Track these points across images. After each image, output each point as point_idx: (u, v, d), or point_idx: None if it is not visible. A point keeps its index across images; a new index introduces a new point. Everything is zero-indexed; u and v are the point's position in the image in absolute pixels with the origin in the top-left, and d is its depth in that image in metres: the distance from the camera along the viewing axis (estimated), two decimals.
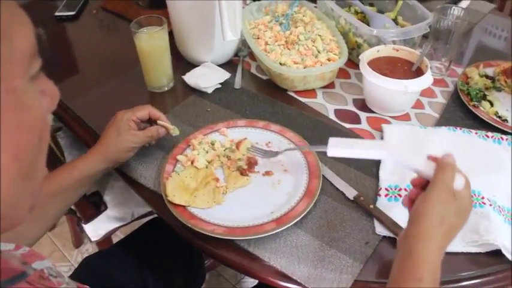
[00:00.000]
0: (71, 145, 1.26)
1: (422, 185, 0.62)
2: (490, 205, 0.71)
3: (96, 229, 1.15)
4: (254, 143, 0.83)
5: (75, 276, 0.85)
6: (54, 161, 1.06)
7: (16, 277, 0.39)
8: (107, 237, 1.21)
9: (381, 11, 1.12)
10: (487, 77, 0.97)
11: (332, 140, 0.65)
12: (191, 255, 1.04)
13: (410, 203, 0.61)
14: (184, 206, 0.73)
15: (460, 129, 0.85)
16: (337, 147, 0.65)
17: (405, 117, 0.91)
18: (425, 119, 0.91)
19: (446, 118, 0.90)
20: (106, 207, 1.14)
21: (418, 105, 0.93)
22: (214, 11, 0.92)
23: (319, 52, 0.96)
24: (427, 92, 0.96)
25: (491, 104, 0.91)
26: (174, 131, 0.81)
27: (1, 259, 0.40)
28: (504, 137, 0.84)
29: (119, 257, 0.92)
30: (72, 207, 1.14)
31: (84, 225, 1.14)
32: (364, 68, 0.87)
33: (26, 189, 0.38)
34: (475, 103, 0.91)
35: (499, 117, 0.88)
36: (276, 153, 0.80)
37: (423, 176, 0.61)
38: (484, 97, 0.92)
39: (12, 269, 0.39)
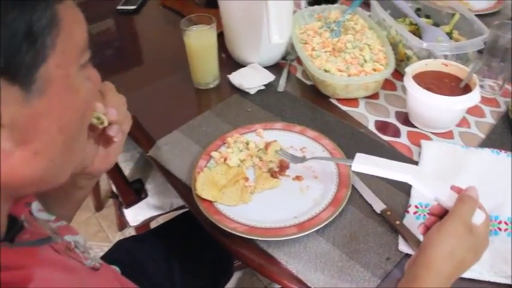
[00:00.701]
0: None
1: (441, 214, 0.60)
2: None
3: (136, 215, 1.20)
4: (285, 146, 0.84)
5: (107, 256, 0.90)
6: None
7: (43, 240, 0.47)
8: (145, 224, 1.26)
9: (436, 24, 1.08)
10: None
11: (359, 156, 0.66)
12: (221, 252, 1.06)
13: (426, 230, 0.60)
14: (211, 201, 0.75)
15: (505, 152, 0.81)
16: (363, 164, 0.65)
17: (448, 135, 0.88)
18: (469, 138, 0.87)
19: (492, 140, 0.86)
20: (146, 195, 1.19)
21: (463, 123, 0.90)
22: (262, 13, 0.93)
23: (365, 61, 0.95)
24: (475, 111, 0.93)
25: None
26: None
27: (36, 224, 0.49)
28: None
29: (151, 244, 0.96)
30: (116, 191, 1.20)
31: (124, 210, 1.19)
32: (408, 81, 0.85)
33: (67, 159, 0.45)
34: None
35: None
36: (303, 159, 0.80)
37: (444, 205, 0.60)
38: None
39: (41, 233, 0.47)
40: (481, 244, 0.58)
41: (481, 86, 0.98)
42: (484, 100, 0.95)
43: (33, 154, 0.39)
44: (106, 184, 1.82)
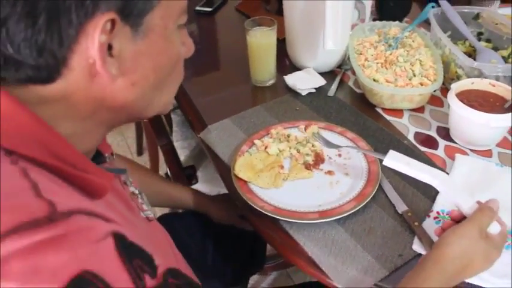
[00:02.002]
0: (182, 123, 1.44)
1: (459, 219, 0.65)
2: None
3: None
4: (321, 130, 0.90)
5: None
6: (162, 130, 1.24)
7: (120, 170, 0.63)
8: None
9: (496, 48, 1.09)
10: None
11: (392, 152, 0.70)
12: (255, 241, 1.12)
13: (442, 232, 0.64)
14: (246, 181, 0.82)
15: None
16: (394, 160, 0.70)
17: (486, 153, 0.89)
18: (507, 159, 0.88)
19: None
20: (197, 181, 1.29)
21: (505, 144, 0.91)
22: (320, 22, 1.00)
23: (414, 75, 0.99)
24: None
25: None
26: None
27: (114, 163, 0.63)
28: None
29: (189, 221, 1.05)
30: (169, 174, 1.31)
31: None
32: (451, 96, 0.88)
33: (155, 97, 0.55)
34: None
35: None
36: (337, 146, 0.86)
37: (464, 213, 0.64)
38: None
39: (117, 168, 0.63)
40: (493, 252, 0.62)
41: None
42: None
43: (131, 84, 0.50)
44: (164, 168, 1.95)
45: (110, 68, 0.46)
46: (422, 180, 0.69)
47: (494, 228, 0.62)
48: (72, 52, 0.44)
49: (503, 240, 0.64)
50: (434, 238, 0.71)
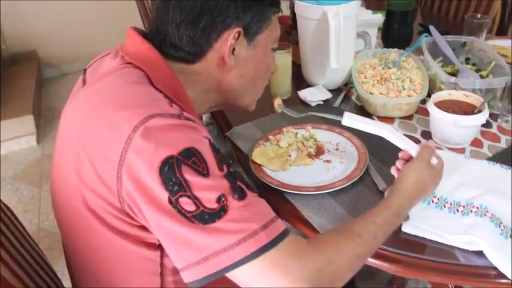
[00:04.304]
0: (216, 137, 1.68)
1: (408, 159, 0.90)
2: (491, 217, 0.86)
3: None
4: (324, 140, 1.11)
5: None
6: None
7: None
8: None
9: (478, 70, 1.29)
10: None
11: (347, 113, 0.95)
12: None
13: (398, 171, 0.88)
14: (260, 165, 1.04)
15: (500, 164, 0.99)
16: (351, 119, 0.95)
17: (460, 151, 1.08)
18: (477, 155, 1.06)
19: (496, 158, 1.04)
20: None
21: (477, 143, 1.09)
22: (327, 48, 1.23)
23: (404, 89, 1.20)
24: (491, 136, 1.11)
25: None
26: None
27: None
28: None
29: None
30: None
31: None
32: (429, 103, 1.08)
33: (249, 89, 0.90)
34: None
35: None
36: (305, 112, 1.08)
37: (411, 154, 0.89)
38: None
39: None
40: (437, 176, 0.89)
41: (506, 121, 1.16)
42: (504, 131, 1.14)
43: (239, 75, 0.84)
44: None
45: (231, 61, 0.80)
46: (374, 133, 0.94)
47: (434, 160, 0.88)
48: (212, 48, 0.79)
49: (441, 168, 0.90)
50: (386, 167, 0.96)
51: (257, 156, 1.06)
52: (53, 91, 3.42)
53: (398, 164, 0.91)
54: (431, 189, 0.88)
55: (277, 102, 1.10)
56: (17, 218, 0.92)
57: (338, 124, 1.15)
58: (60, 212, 0.81)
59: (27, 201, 2.35)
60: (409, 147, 0.91)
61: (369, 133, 1.14)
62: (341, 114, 0.95)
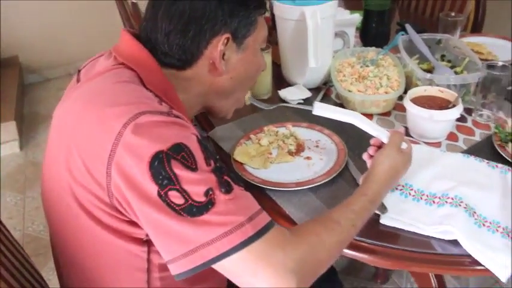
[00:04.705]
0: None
1: (379, 145, 0.93)
2: (465, 207, 0.89)
3: None
4: (305, 138, 1.13)
5: None
6: None
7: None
8: None
9: (453, 66, 1.33)
10: None
11: (317, 103, 0.99)
12: None
13: (369, 156, 0.93)
14: (242, 164, 1.06)
15: (474, 157, 1.02)
16: (322, 109, 0.98)
17: (437, 145, 1.11)
18: (453, 148, 1.09)
19: (471, 151, 1.07)
20: None
21: (452, 137, 1.13)
22: (306, 47, 1.26)
23: (381, 86, 1.23)
24: (466, 130, 1.15)
25: None
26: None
27: None
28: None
29: None
30: None
31: None
32: (406, 99, 1.11)
33: (239, 91, 0.94)
34: (502, 143, 1.07)
35: None
36: (274, 106, 1.15)
37: (381, 140, 0.93)
38: None
39: None
40: (408, 160, 0.92)
41: (480, 115, 1.20)
42: (478, 125, 1.18)
43: (229, 78, 0.86)
44: None
45: (222, 66, 0.82)
46: (345, 121, 0.97)
47: (404, 145, 0.92)
48: (202, 54, 0.81)
49: (411, 152, 0.93)
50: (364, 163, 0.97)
51: (239, 154, 1.08)
52: (35, 97, 3.40)
53: (370, 150, 0.95)
54: (403, 173, 0.91)
55: (247, 95, 1.13)
56: (1, 222, 0.93)
57: (318, 119, 1.18)
58: (50, 209, 0.82)
59: (11, 208, 2.34)
60: (380, 134, 0.94)
61: (349, 130, 1.18)
62: (311, 105, 0.99)
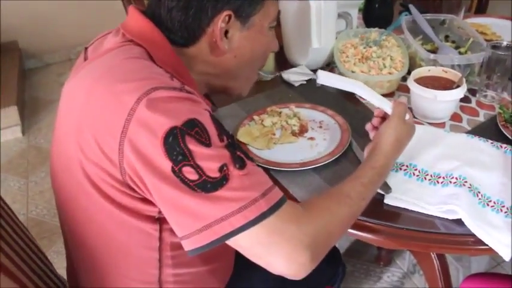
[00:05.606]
0: None
1: (383, 115, 0.94)
2: (469, 187, 0.89)
3: None
4: (308, 119, 1.13)
5: None
6: None
7: None
8: None
9: (457, 47, 1.32)
10: None
11: (321, 72, 0.98)
12: None
13: (373, 128, 0.94)
14: (245, 144, 1.06)
15: (478, 137, 1.02)
16: (326, 77, 0.98)
17: (441, 125, 1.11)
18: (457, 129, 1.09)
19: (475, 131, 1.07)
20: None
21: (457, 118, 1.12)
22: (309, 27, 1.25)
23: (384, 67, 1.22)
24: (470, 111, 1.14)
25: None
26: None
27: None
28: None
29: None
30: None
31: None
32: (410, 80, 1.11)
33: (245, 72, 0.90)
34: (506, 124, 1.06)
35: None
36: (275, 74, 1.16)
37: (385, 111, 0.93)
38: None
39: None
40: (412, 130, 0.93)
41: (484, 96, 1.19)
42: (483, 106, 1.17)
43: (234, 56, 0.83)
44: None
45: (224, 44, 0.80)
46: (348, 90, 0.97)
47: (407, 116, 0.92)
48: (204, 32, 0.79)
49: (413, 123, 0.94)
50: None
51: (242, 135, 1.07)
52: (36, 82, 3.38)
53: (374, 121, 0.95)
54: (407, 143, 0.92)
55: None
56: (6, 204, 0.93)
57: (321, 101, 1.18)
58: (60, 187, 0.81)
59: (15, 192, 2.34)
60: (383, 104, 0.94)
61: (351, 110, 1.17)
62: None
